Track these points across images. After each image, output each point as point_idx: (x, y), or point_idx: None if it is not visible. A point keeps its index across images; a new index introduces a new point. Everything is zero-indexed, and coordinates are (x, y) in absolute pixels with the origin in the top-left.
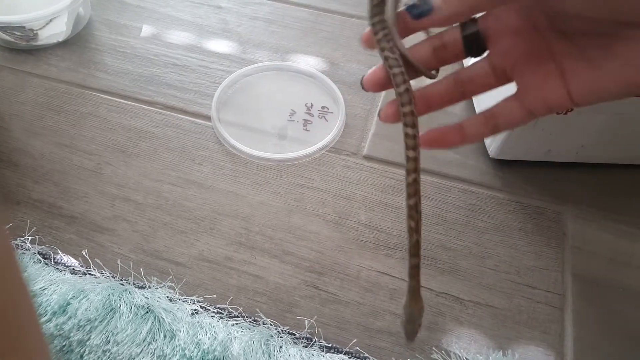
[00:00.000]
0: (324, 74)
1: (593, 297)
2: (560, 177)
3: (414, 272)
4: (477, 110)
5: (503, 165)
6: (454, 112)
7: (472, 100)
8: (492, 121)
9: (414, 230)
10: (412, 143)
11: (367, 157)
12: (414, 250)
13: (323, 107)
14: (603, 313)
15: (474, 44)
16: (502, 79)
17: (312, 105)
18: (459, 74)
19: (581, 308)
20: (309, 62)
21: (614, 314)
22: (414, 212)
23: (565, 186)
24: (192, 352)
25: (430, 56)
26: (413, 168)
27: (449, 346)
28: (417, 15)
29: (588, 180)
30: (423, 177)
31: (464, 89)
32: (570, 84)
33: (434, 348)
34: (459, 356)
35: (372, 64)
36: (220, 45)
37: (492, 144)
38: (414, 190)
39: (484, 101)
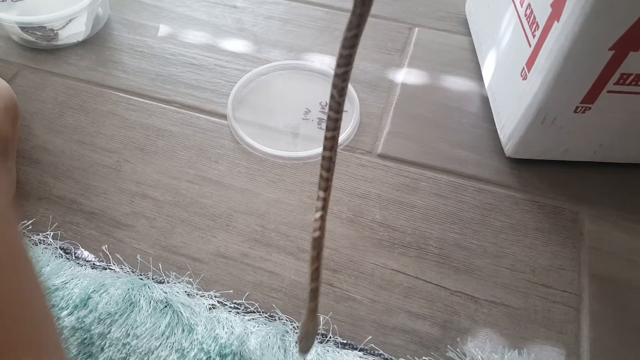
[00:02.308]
0: None
1: (610, 298)
2: (577, 176)
3: (314, 295)
4: (494, 109)
5: (519, 164)
6: (472, 112)
7: (488, 101)
8: None
9: (315, 258)
10: (324, 185)
11: (382, 156)
12: (315, 275)
13: None
14: (620, 314)
15: None
16: None
17: (326, 104)
18: None
19: (598, 308)
20: (324, 61)
21: (631, 315)
22: (317, 243)
23: (583, 186)
24: (210, 346)
25: None
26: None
27: (464, 345)
28: None
29: (606, 180)
30: (439, 176)
31: None
32: None
33: (448, 346)
34: (474, 355)
35: (386, 63)
36: (236, 45)
37: (509, 142)
38: (319, 226)
39: (500, 102)
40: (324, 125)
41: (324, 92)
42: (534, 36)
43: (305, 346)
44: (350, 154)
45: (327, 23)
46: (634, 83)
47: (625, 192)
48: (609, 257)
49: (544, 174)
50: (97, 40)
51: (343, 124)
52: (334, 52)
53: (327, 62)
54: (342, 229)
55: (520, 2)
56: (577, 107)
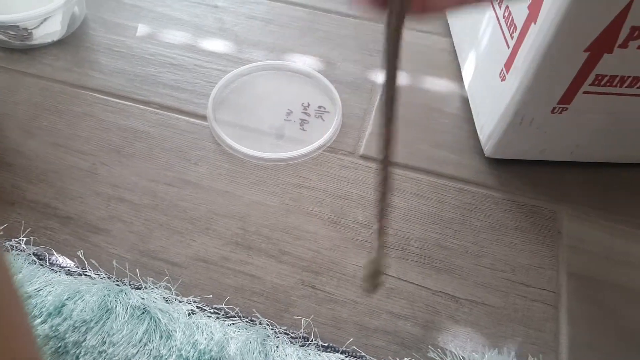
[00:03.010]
0: (321, 74)
1: (588, 295)
2: (555, 176)
3: (381, 234)
4: (474, 110)
5: (499, 164)
6: (453, 113)
7: (468, 102)
8: None
9: (382, 199)
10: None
11: (364, 157)
12: (381, 214)
13: (320, 107)
14: (598, 311)
15: None
16: None
17: (308, 104)
18: None
19: (576, 306)
20: (305, 62)
21: (608, 312)
22: (383, 183)
23: (561, 185)
24: (189, 352)
25: None
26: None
27: (445, 344)
28: None
29: (583, 180)
30: (420, 176)
31: None
32: None
33: (430, 346)
34: (455, 354)
35: (368, 64)
36: (217, 45)
37: (488, 143)
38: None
39: (480, 103)
40: (305, 126)
41: (306, 93)
42: (512, 38)
43: (370, 285)
44: (332, 155)
45: (309, 23)
46: (608, 84)
47: (603, 190)
48: (587, 255)
49: (523, 174)
50: (73, 40)
51: (325, 125)
52: (316, 52)
53: (308, 63)
54: (324, 230)
55: (499, 4)
56: (554, 108)
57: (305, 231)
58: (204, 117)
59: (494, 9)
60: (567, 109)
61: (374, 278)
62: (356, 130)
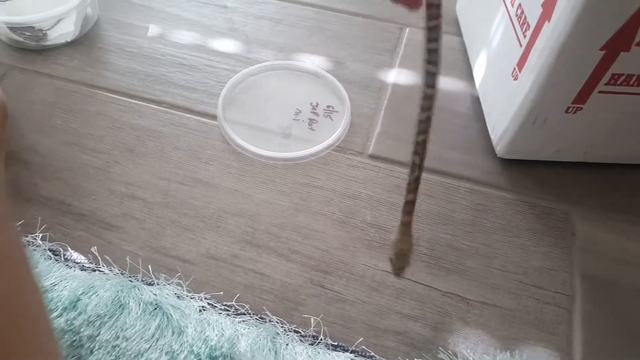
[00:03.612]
0: (330, 73)
1: (602, 299)
2: (569, 177)
3: (410, 208)
4: (485, 110)
5: (511, 164)
6: (463, 112)
7: (479, 101)
8: None
9: (417, 166)
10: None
11: (373, 157)
12: (415, 185)
13: (328, 107)
14: (612, 314)
15: None
16: None
17: (317, 104)
18: None
19: (590, 309)
20: (314, 62)
21: (623, 316)
22: (421, 148)
23: (574, 186)
24: (200, 348)
25: None
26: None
27: (455, 346)
28: None
29: (597, 181)
30: (430, 176)
31: None
32: None
33: (440, 348)
34: (466, 356)
35: (377, 64)
36: (226, 45)
37: (500, 143)
38: (424, 128)
39: (491, 102)
40: (314, 126)
41: (314, 93)
42: (524, 36)
43: (398, 267)
44: (341, 155)
45: (317, 23)
46: (625, 83)
47: (617, 192)
48: (601, 258)
49: (535, 175)
50: (86, 41)
51: (333, 124)
52: (324, 52)
53: (317, 62)
54: (333, 230)
55: (511, 2)
56: (568, 108)
57: (314, 230)
58: (214, 117)
59: (506, 7)
60: (581, 108)
61: (400, 259)
62: (365, 130)
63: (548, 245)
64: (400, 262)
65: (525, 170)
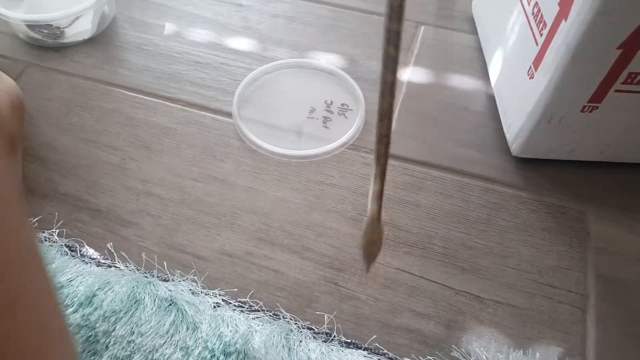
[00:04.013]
0: (344, 71)
1: (616, 298)
2: (584, 176)
3: (379, 197)
4: (500, 108)
5: (526, 163)
6: (478, 111)
7: (494, 100)
8: None
9: (382, 156)
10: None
11: None
12: (381, 177)
13: (343, 105)
14: (627, 315)
15: None
16: None
17: (332, 102)
18: None
19: (604, 309)
20: (329, 60)
21: (638, 316)
22: (385, 138)
23: (590, 185)
24: (214, 344)
25: None
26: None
27: (468, 344)
28: None
29: (613, 180)
30: (445, 175)
31: None
32: None
33: (453, 346)
34: (479, 355)
35: None
36: (241, 43)
37: (515, 142)
38: (386, 115)
39: (507, 101)
40: (328, 124)
41: (329, 91)
42: (541, 35)
43: (367, 257)
44: (355, 153)
45: (332, 21)
46: None
47: (633, 192)
48: (616, 258)
49: (550, 174)
50: (103, 39)
51: (348, 122)
52: (339, 50)
53: (332, 60)
54: (347, 227)
55: (527, 0)
56: (584, 107)
57: (328, 228)
58: (229, 115)
59: (522, 6)
60: (597, 107)
61: (370, 249)
62: None
63: (562, 245)
64: (370, 252)
65: (540, 169)
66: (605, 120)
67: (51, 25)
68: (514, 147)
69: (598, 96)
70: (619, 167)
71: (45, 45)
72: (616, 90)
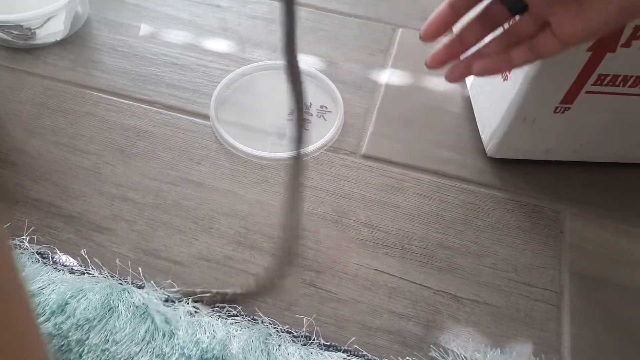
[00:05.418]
0: (323, 73)
1: (590, 295)
2: (558, 175)
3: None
4: (476, 110)
5: (501, 164)
6: (455, 112)
7: (470, 101)
8: (535, 50)
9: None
10: None
11: (366, 156)
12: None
13: (322, 107)
14: (600, 311)
15: (518, 6)
16: (541, 26)
17: (310, 104)
18: (509, 32)
19: (578, 306)
20: (307, 62)
21: (611, 312)
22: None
23: (564, 185)
24: (191, 350)
25: (479, 26)
26: None
27: (447, 344)
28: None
29: (586, 179)
30: (423, 176)
31: (512, 42)
32: (581, 19)
33: (431, 346)
34: (457, 354)
35: (370, 64)
36: (219, 44)
37: (490, 143)
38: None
39: (482, 102)
40: (308, 126)
41: (308, 93)
42: None
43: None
44: (334, 155)
45: (311, 23)
46: (611, 84)
47: (606, 190)
48: (590, 255)
49: (525, 174)
50: (76, 40)
51: (327, 124)
52: (318, 52)
53: (311, 62)
54: (326, 229)
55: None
56: (556, 108)
57: (307, 230)
58: (206, 117)
59: None
60: (569, 108)
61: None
62: (358, 130)
63: (537, 243)
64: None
65: (515, 170)
66: (578, 120)
67: (22, 26)
68: (489, 147)
69: (570, 97)
70: (592, 166)
71: (16, 46)
72: (587, 92)
